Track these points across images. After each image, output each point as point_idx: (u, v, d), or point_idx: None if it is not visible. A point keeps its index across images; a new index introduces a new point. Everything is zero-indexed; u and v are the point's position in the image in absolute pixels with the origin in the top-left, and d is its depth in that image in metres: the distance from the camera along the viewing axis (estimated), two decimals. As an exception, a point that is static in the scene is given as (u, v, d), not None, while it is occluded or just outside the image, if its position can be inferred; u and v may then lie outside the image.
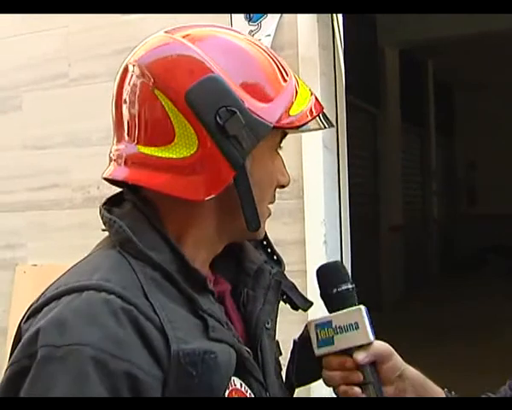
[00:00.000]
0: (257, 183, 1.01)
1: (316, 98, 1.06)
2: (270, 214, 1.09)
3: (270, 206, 1.09)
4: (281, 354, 1.17)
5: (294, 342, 1.16)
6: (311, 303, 1.15)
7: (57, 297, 0.92)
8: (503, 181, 12.27)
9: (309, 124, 1.04)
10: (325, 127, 1.11)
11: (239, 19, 2.78)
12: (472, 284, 10.65)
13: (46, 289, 0.98)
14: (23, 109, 3.40)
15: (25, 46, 3.37)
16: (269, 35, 2.76)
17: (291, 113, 1.00)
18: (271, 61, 1.04)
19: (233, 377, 0.96)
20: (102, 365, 0.85)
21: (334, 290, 1.08)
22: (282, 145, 1.09)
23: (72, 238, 3.20)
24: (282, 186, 1.09)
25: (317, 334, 1.08)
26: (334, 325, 1.06)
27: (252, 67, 1.01)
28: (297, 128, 1.03)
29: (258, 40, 1.14)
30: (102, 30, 3.16)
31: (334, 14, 2.76)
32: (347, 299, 1.08)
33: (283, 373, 1.17)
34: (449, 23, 8.18)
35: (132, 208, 1.02)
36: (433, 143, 12.18)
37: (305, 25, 2.77)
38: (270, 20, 2.78)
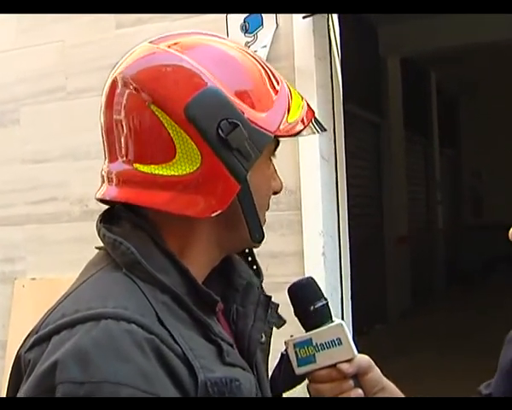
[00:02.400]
0: (257, 191, 0.98)
1: (307, 104, 1.04)
2: (265, 222, 1.05)
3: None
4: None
5: (282, 355, 1.12)
6: (285, 321, 1.11)
7: (69, 326, 0.86)
8: (508, 190, 12.22)
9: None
10: (319, 132, 1.09)
11: (235, 30, 2.78)
12: (479, 295, 10.60)
13: (47, 315, 0.92)
14: (21, 123, 3.40)
15: (22, 60, 3.38)
16: (265, 46, 2.75)
17: (288, 120, 0.98)
18: (262, 68, 1.01)
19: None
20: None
21: (311, 308, 1.05)
22: (275, 152, 1.07)
23: (71, 252, 3.19)
24: (276, 193, 1.07)
25: (296, 353, 1.06)
26: (314, 343, 1.04)
27: (245, 76, 0.98)
28: (295, 136, 1.02)
29: (254, 51, 1.12)
30: (99, 43, 3.16)
31: (331, 25, 2.75)
32: (324, 315, 1.06)
33: None
34: (451, 33, 8.19)
35: (134, 228, 0.97)
36: (436, 152, 12.15)
37: (301, 36, 2.76)
38: (266, 31, 2.77)
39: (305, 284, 1.10)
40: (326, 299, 1.07)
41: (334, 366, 1.04)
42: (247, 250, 1.11)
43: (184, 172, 0.93)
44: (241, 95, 0.95)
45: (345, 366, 1.03)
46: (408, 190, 10.18)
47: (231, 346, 0.95)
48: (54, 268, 3.26)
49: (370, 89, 8.74)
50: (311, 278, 1.11)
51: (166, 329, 0.88)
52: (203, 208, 0.93)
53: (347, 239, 2.86)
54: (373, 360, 1.08)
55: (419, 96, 11.16)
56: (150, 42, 1.01)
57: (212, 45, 1.01)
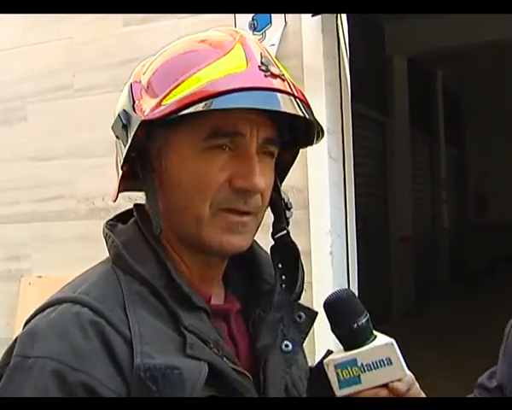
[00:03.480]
0: (177, 182, 0.97)
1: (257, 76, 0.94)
2: (238, 223, 0.98)
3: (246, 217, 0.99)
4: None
5: (310, 369, 1.10)
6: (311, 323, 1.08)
7: (42, 310, 0.95)
8: (513, 190, 12.22)
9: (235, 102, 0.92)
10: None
11: (243, 28, 2.77)
12: (483, 295, 10.57)
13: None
14: (28, 121, 3.40)
15: (29, 57, 3.37)
16: (273, 44, 2.74)
17: (164, 102, 0.94)
18: (182, 57, 0.99)
19: (213, 395, 0.92)
20: (61, 376, 0.87)
21: (355, 326, 0.98)
22: (244, 144, 0.96)
23: (77, 249, 3.18)
24: (246, 191, 0.96)
25: (337, 374, 0.99)
26: (359, 364, 0.97)
27: (158, 70, 1.00)
28: (166, 117, 0.93)
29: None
30: (106, 41, 3.15)
31: (339, 24, 2.74)
32: (367, 332, 0.99)
33: None
34: (457, 32, 8.16)
35: (132, 224, 1.03)
36: (442, 151, 12.12)
37: (310, 34, 2.75)
38: (275, 30, 2.76)
39: (346, 299, 1.01)
40: (367, 313, 1.01)
41: (383, 386, 0.98)
42: (279, 265, 1.08)
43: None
44: (147, 87, 0.99)
45: (399, 385, 0.98)
46: (413, 189, 10.16)
47: (210, 342, 0.94)
48: (60, 266, 3.26)
49: (376, 88, 8.71)
50: (351, 292, 1.04)
51: (127, 316, 0.91)
52: (112, 194, 1.03)
53: (355, 238, 2.85)
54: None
55: (425, 95, 11.13)
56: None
57: (165, 53, 1.03)
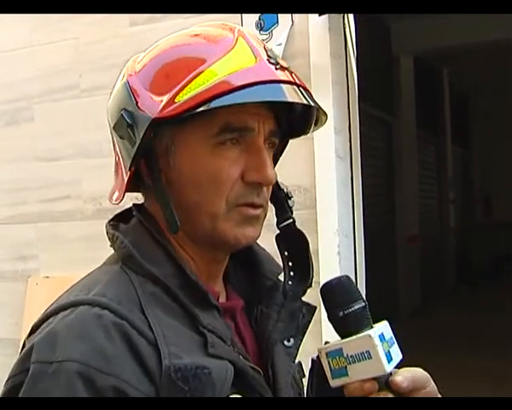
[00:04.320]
0: (189, 179, 0.97)
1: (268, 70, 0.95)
2: (253, 217, 0.99)
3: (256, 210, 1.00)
4: (304, 375, 1.11)
5: (312, 360, 1.07)
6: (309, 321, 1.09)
7: (55, 313, 0.92)
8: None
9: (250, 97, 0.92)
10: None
11: (250, 27, 2.76)
12: (490, 294, 10.55)
13: (49, 306, 0.97)
14: (35, 121, 3.40)
15: (35, 57, 3.38)
16: (280, 44, 2.73)
17: (178, 99, 0.92)
18: (186, 50, 0.99)
19: (235, 395, 0.92)
20: (90, 380, 0.85)
21: (341, 313, 0.93)
22: (252, 137, 0.97)
23: (84, 250, 3.19)
24: (260, 184, 0.98)
25: (329, 363, 0.95)
26: (345, 354, 0.92)
27: (159, 66, 0.98)
28: (180, 115, 0.92)
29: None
30: (113, 41, 3.15)
31: (346, 23, 2.73)
32: (358, 321, 0.93)
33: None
34: (464, 31, 8.14)
35: (137, 224, 1.02)
36: (449, 151, 12.09)
37: (317, 33, 2.74)
38: (282, 29, 2.76)
39: (335, 285, 0.97)
40: (364, 302, 0.95)
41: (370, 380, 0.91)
42: (286, 253, 1.09)
43: (114, 164, 1.03)
44: (150, 84, 0.97)
45: (399, 378, 0.91)
46: (420, 188, 10.14)
47: (227, 340, 0.95)
48: (67, 266, 3.26)
49: (383, 87, 8.70)
50: (345, 277, 0.99)
51: (146, 318, 0.90)
52: (111, 194, 1.03)
53: (362, 238, 2.84)
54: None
55: (432, 94, 11.10)
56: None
57: (160, 48, 1.02)
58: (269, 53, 0.98)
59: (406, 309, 9.21)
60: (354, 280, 2.83)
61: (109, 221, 1.05)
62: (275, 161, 1.09)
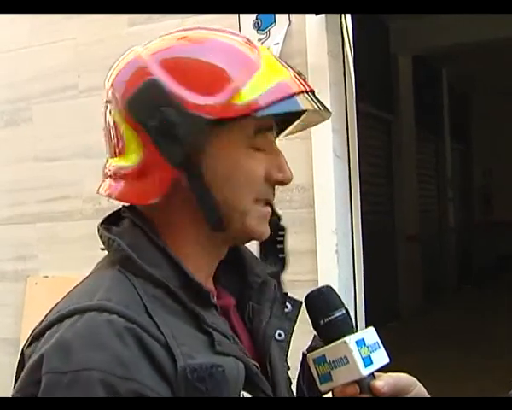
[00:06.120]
0: (225, 179, 0.98)
1: (298, 80, 0.99)
2: (271, 214, 1.04)
3: (266, 207, 1.03)
4: (288, 368, 1.13)
5: (303, 354, 1.09)
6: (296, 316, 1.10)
7: (59, 321, 0.91)
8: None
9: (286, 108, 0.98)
10: (319, 108, 1.02)
11: (247, 27, 2.77)
12: (490, 294, 10.55)
13: (48, 313, 0.96)
14: (34, 121, 3.41)
15: (34, 58, 3.38)
16: (277, 43, 2.74)
17: (235, 101, 0.94)
18: (232, 51, 1.00)
19: (242, 392, 0.93)
20: (111, 387, 0.84)
21: (321, 322, 0.99)
22: (272, 139, 1.03)
23: (84, 249, 3.19)
24: (281, 183, 1.03)
25: (316, 369, 1.00)
26: (328, 360, 0.98)
27: (198, 64, 0.98)
28: (246, 116, 0.95)
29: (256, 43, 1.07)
30: (111, 41, 3.16)
31: (344, 23, 2.74)
32: (339, 328, 0.99)
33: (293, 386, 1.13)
34: (463, 30, 8.15)
35: (131, 225, 1.01)
36: (448, 150, 12.09)
37: (314, 33, 2.75)
38: (279, 29, 2.76)
39: (317, 295, 1.03)
40: (345, 309, 1.01)
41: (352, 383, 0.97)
42: (278, 238, 1.12)
43: (132, 163, 0.98)
44: (188, 82, 0.95)
45: (378, 384, 0.96)
46: (419, 187, 10.15)
47: (230, 338, 0.96)
48: (66, 266, 3.27)
49: (381, 86, 8.71)
50: (326, 287, 1.04)
51: (153, 320, 0.90)
52: (146, 195, 0.97)
53: (360, 237, 2.85)
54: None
55: (430, 93, 11.10)
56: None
57: (181, 42, 1.02)
58: (292, 67, 1.03)
59: (407, 309, 9.21)
60: (352, 279, 2.85)
61: (101, 224, 1.03)
62: None
